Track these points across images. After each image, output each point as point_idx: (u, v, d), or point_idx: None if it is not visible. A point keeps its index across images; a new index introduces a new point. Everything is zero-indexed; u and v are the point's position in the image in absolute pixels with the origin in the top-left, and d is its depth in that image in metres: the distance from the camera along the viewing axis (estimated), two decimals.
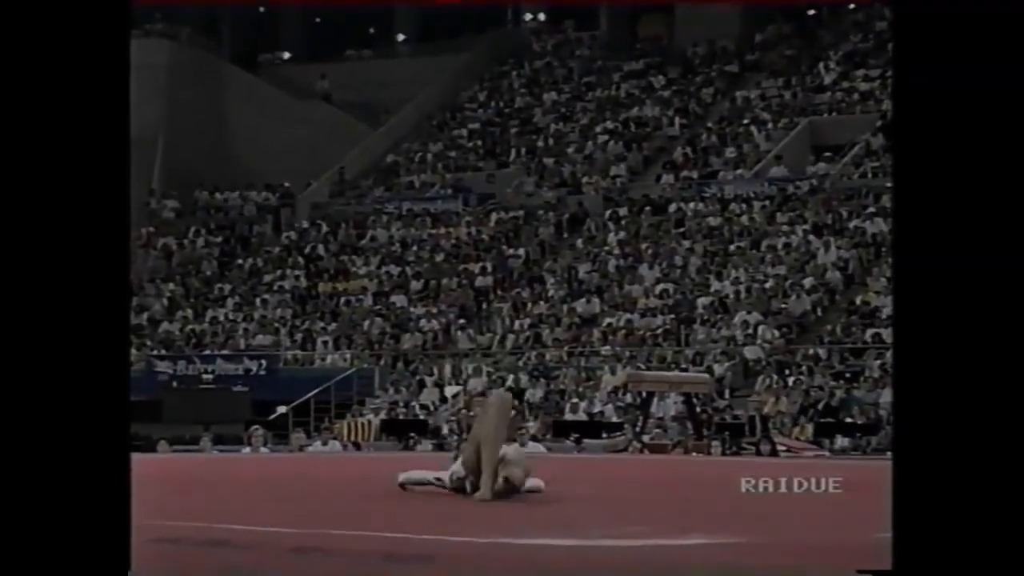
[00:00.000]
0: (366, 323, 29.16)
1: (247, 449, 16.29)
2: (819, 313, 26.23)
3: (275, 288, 31.43)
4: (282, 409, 24.66)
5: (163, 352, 29.02)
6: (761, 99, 34.02)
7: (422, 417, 24.37)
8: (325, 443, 19.11)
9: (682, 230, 29.73)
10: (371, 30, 43.87)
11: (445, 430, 22.94)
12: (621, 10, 39.81)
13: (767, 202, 29.74)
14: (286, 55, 43.83)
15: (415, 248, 31.85)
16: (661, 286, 27.75)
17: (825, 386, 23.21)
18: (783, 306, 26.23)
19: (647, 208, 30.80)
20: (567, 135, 35.10)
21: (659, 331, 26.39)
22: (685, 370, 23.72)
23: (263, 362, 27.50)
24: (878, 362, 23.39)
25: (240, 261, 33.26)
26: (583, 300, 28.05)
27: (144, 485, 5.11)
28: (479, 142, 36.00)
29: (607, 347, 26.16)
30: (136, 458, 5.07)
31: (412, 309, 29.45)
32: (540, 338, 27.29)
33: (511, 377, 25.41)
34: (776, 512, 6.55)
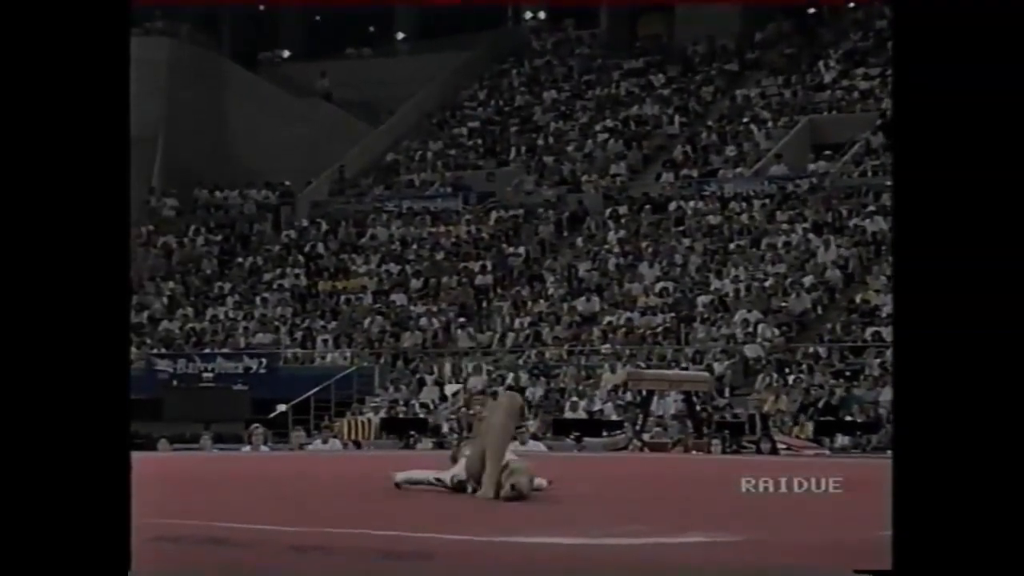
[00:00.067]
0: (366, 321, 29.15)
1: (247, 447, 16.29)
2: (819, 311, 26.21)
3: (275, 286, 31.42)
4: (282, 407, 24.64)
5: (163, 350, 29.01)
6: (761, 97, 34.00)
7: (422, 415, 24.38)
8: (325, 441, 19.08)
9: (682, 228, 29.72)
10: (371, 28, 43.86)
11: (445, 428, 22.95)
12: (621, 8, 39.80)
13: (767, 200, 29.73)
14: (286, 53, 43.83)
15: (415, 246, 31.83)
16: (661, 284, 27.73)
17: (825, 384, 23.21)
18: (783, 304, 26.21)
19: (647, 206, 30.78)
20: (567, 133, 35.08)
21: (659, 329, 26.38)
22: (685, 368, 23.73)
23: (263, 360, 27.47)
24: (878, 360, 23.37)
25: (240, 259, 33.24)
26: (583, 298, 28.03)
27: (144, 484, 5.10)
28: (479, 140, 35.98)
29: (607, 345, 26.15)
30: (136, 456, 5.06)
31: (412, 307, 29.44)
32: (540, 336, 27.28)
33: (511, 375, 25.41)
34: (776, 511, 6.54)
